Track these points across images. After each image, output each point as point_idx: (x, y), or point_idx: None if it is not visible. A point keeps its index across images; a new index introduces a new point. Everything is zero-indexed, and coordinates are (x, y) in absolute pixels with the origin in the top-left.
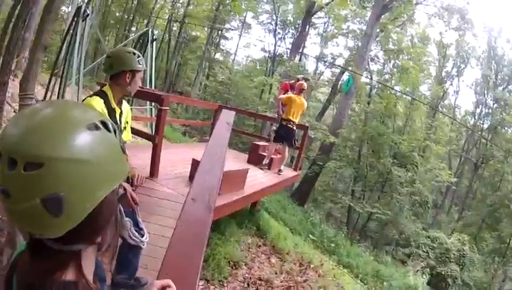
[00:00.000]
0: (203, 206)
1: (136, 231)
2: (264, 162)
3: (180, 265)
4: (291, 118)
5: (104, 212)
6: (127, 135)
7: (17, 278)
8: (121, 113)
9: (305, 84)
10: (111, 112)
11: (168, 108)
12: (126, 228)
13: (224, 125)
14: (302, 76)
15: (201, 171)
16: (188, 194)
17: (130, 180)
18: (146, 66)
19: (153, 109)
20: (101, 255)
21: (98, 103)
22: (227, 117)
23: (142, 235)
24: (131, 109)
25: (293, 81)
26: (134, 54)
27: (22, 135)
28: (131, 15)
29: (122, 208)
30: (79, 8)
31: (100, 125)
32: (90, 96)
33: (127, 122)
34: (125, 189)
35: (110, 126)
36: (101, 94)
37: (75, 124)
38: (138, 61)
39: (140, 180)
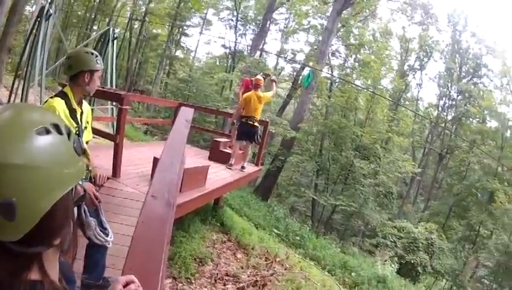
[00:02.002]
0: (163, 203)
1: (101, 230)
2: (230, 162)
3: (143, 261)
4: (251, 114)
5: (58, 214)
6: (88, 135)
7: None
8: (81, 113)
9: (261, 80)
10: (72, 112)
11: (128, 107)
12: (91, 227)
13: (183, 122)
14: (263, 73)
15: (161, 168)
16: (148, 192)
17: (93, 180)
18: (107, 65)
19: (114, 109)
20: (63, 255)
21: (59, 103)
22: (185, 114)
23: (107, 235)
24: (92, 109)
25: (254, 78)
26: (92, 54)
27: None
28: (94, 14)
29: (86, 208)
30: (43, 8)
31: (51, 129)
32: (52, 97)
33: (88, 122)
34: (85, 190)
35: (63, 129)
36: (62, 95)
37: (25, 129)
38: (96, 60)
39: (102, 179)
